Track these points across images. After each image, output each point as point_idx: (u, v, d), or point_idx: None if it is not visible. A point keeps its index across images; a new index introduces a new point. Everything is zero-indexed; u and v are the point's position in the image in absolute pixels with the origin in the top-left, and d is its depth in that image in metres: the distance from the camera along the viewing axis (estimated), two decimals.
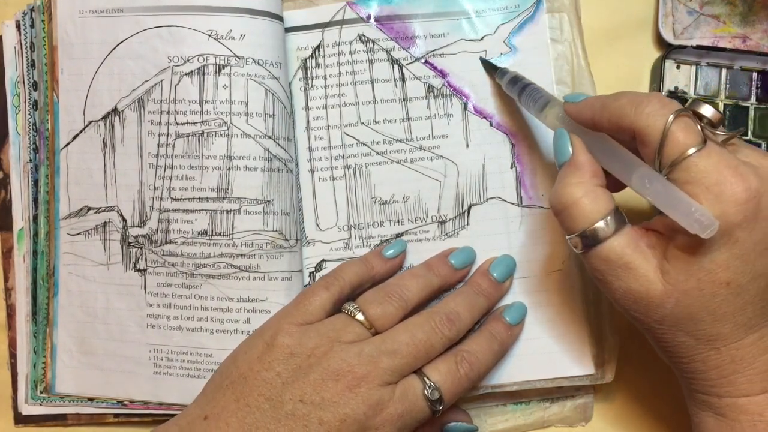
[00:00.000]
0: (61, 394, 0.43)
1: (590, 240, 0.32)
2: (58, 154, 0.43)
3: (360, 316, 0.37)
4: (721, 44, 0.44)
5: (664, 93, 0.44)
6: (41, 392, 0.43)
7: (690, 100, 0.41)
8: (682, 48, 0.44)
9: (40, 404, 0.44)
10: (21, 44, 0.44)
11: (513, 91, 0.40)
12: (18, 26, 0.44)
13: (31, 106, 0.44)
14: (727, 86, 0.45)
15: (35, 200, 0.44)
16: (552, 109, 0.37)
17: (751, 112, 0.44)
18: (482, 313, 0.40)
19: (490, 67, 0.43)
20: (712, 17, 0.45)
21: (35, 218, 0.44)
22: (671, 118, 0.30)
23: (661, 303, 0.31)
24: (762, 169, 0.30)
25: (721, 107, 0.44)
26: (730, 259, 0.30)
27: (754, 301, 0.31)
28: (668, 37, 0.44)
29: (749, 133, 0.44)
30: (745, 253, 0.30)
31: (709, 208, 0.29)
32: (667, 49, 0.44)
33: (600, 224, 0.32)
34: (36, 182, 0.44)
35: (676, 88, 0.45)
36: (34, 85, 0.44)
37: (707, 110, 0.31)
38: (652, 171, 0.31)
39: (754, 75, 0.45)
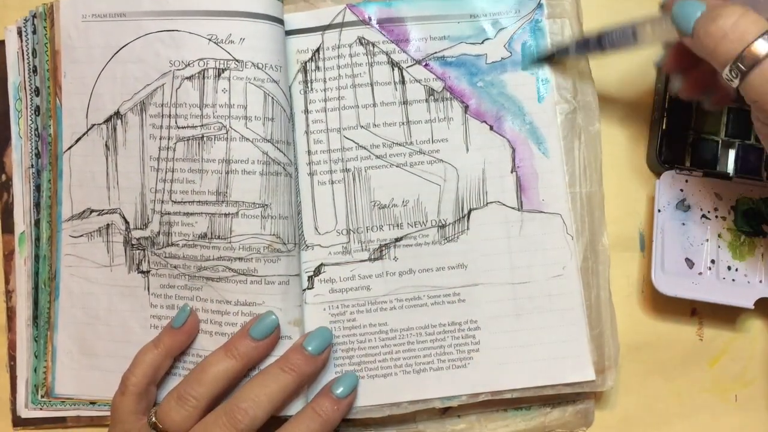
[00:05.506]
0: (61, 397, 0.44)
1: (752, 59, 0.31)
2: (60, 157, 0.44)
3: (160, 426, 0.38)
4: None
5: (669, 92, 0.44)
6: (42, 396, 0.44)
7: None
8: None
9: (41, 408, 0.44)
10: (23, 50, 0.44)
11: (592, 47, 0.41)
12: (19, 33, 0.44)
13: (33, 111, 0.44)
14: None
15: (37, 205, 0.44)
16: (652, 23, 0.37)
17: None
18: (289, 390, 0.39)
19: (536, 62, 0.43)
20: None
21: (37, 223, 0.44)
22: None
23: None
24: None
25: (724, 111, 0.44)
26: None
27: None
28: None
29: (752, 137, 0.44)
30: None
31: None
32: None
33: (762, 40, 0.31)
34: (38, 187, 0.44)
35: None
36: (36, 91, 0.44)
37: None
38: None
39: None
